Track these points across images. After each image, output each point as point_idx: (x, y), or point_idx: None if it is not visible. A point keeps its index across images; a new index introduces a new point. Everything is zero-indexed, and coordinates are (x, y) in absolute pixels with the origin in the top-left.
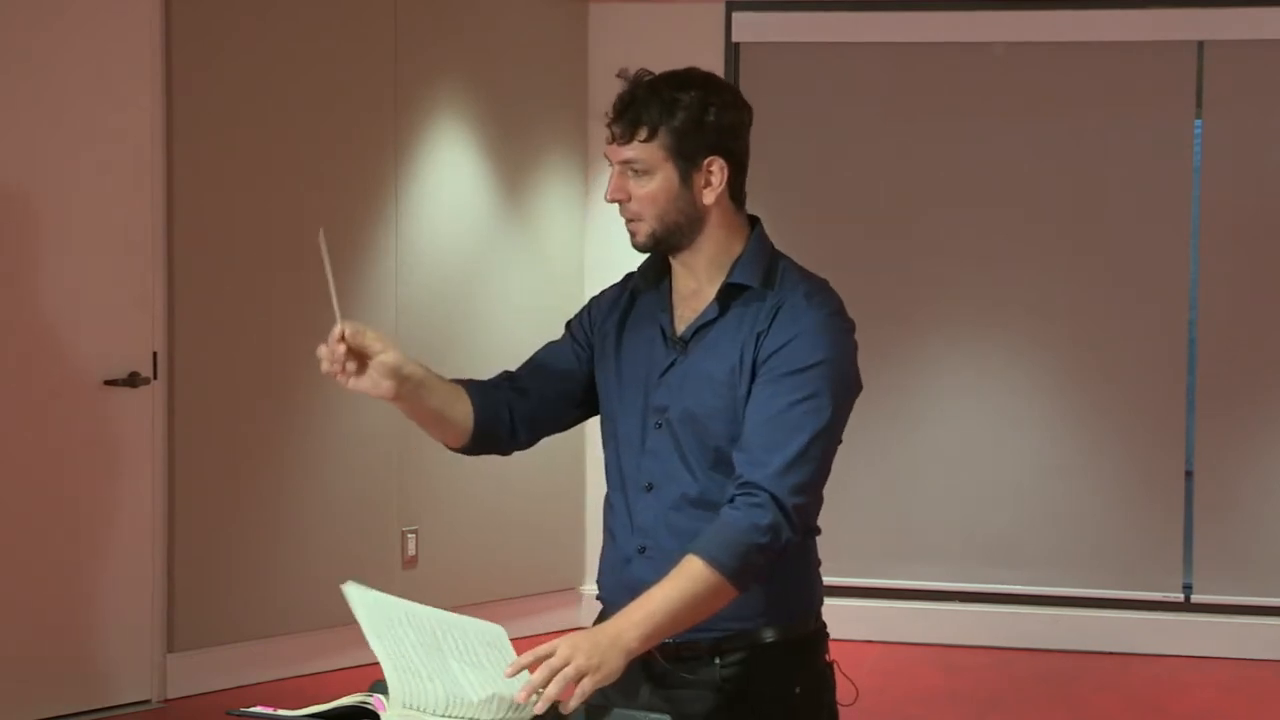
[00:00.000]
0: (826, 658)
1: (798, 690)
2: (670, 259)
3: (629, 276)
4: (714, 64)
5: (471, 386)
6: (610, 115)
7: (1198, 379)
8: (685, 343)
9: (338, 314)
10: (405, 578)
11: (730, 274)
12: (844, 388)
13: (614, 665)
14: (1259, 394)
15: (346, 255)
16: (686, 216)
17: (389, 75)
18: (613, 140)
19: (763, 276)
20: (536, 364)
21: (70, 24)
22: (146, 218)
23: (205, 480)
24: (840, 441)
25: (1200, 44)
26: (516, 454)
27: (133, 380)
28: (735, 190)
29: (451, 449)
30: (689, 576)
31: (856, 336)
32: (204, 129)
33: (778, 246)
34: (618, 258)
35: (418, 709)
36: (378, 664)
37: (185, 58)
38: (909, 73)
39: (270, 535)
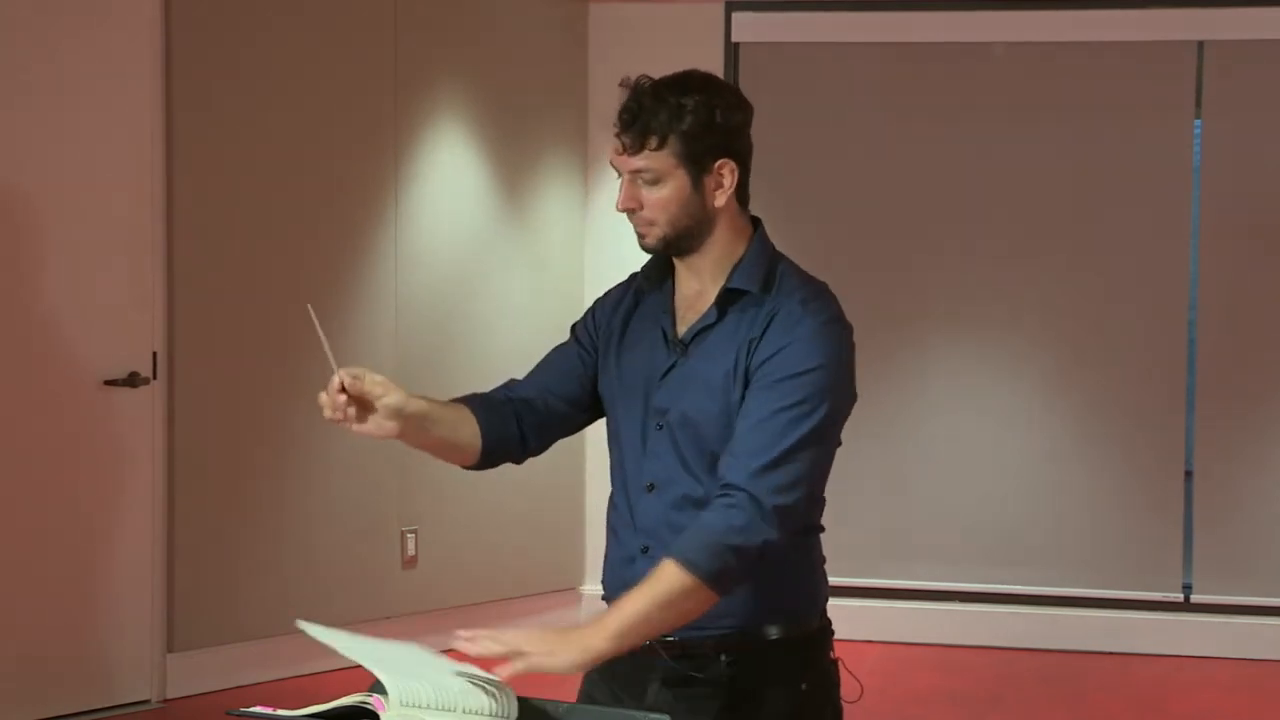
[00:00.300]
0: (832, 655)
1: (804, 687)
2: (675, 260)
3: (634, 276)
4: (714, 64)
5: (477, 405)
6: (618, 126)
7: (1198, 379)
8: (685, 345)
9: (333, 365)
10: (405, 578)
11: (730, 279)
12: (838, 393)
13: (567, 659)
14: (1259, 394)
15: (346, 256)
16: (697, 220)
17: (389, 76)
18: (622, 151)
19: (762, 281)
20: (543, 370)
21: (71, 24)
22: (146, 218)
23: (205, 480)
24: (839, 444)
25: (1200, 44)
26: None
27: (133, 380)
28: (742, 191)
29: (465, 468)
30: (662, 579)
31: (857, 338)
32: (204, 129)
33: (778, 247)
34: (618, 258)
35: (416, 706)
36: None
37: (186, 58)
38: (909, 73)
39: (270, 535)
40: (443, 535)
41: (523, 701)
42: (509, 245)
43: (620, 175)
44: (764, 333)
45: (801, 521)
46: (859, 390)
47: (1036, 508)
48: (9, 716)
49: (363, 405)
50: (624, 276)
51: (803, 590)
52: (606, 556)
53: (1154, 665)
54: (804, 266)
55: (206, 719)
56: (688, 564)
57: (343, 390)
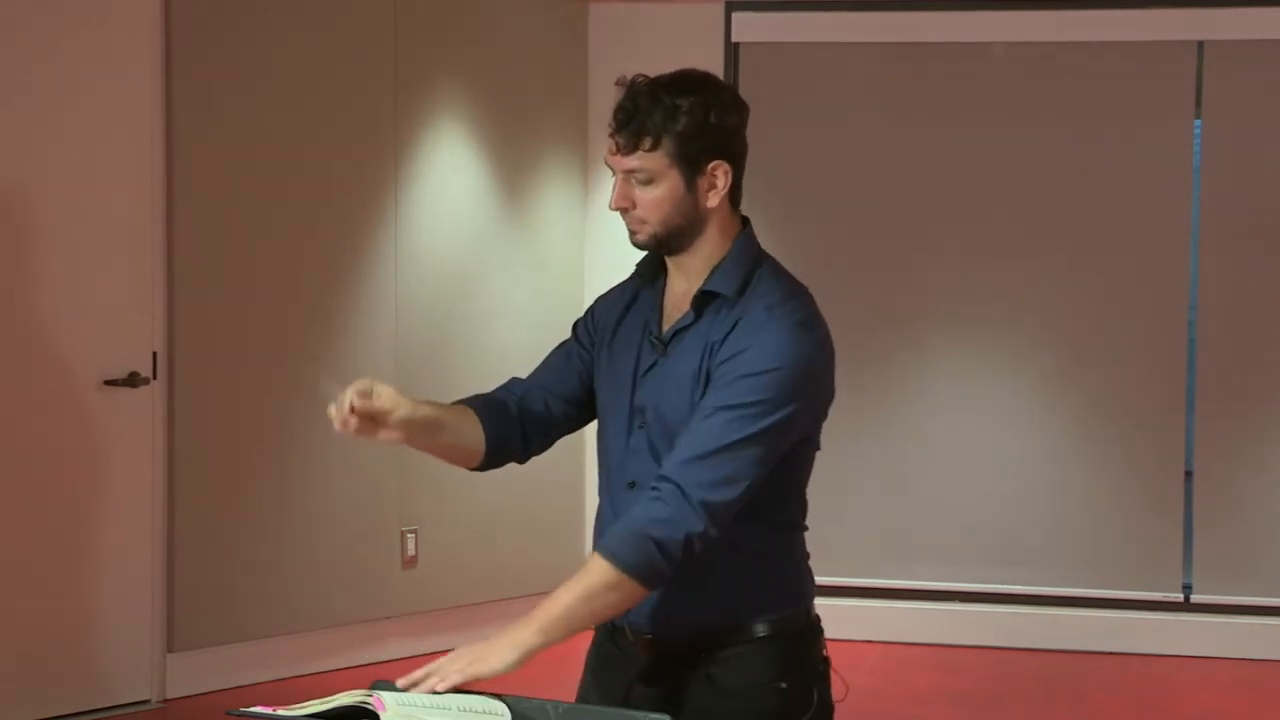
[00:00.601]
0: (823, 653)
1: (784, 685)
2: (667, 259)
3: (634, 274)
4: (714, 64)
5: (479, 407)
6: (612, 125)
7: (1198, 379)
8: (665, 345)
9: (340, 389)
10: (405, 578)
11: (707, 280)
12: (801, 396)
13: (499, 659)
14: (1259, 394)
15: (346, 256)
16: (689, 220)
17: (389, 76)
18: (616, 150)
19: (739, 284)
20: (544, 369)
21: (71, 24)
22: (146, 218)
23: (205, 480)
24: (818, 447)
25: (1200, 44)
26: None
27: (133, 380)
28: (735, 192)
29: (468, 469)
30: (588, 572)
31: (857, 337)
32: (204, 129)
33: (777, 246)
34: (618, 258)
35: (415, 705)
36: (378, 664)
37: (186, 58)
38: (909, 73)
39: (270, 535)
40: (443, 535)
41: (522, 701)
42: (509, 245)
43: (615, 174)
44: (727, 335)
45: (729, 517)
46: (859, 390)
47: (1036, 508)
48: (9, 716)
49: (373, 420)
50: (624, 276)
51: (786, 588)
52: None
53: (1154, 665)
54: (804, 266)
55: (206, 719)
56: (609, 555)
57: (354, 412)
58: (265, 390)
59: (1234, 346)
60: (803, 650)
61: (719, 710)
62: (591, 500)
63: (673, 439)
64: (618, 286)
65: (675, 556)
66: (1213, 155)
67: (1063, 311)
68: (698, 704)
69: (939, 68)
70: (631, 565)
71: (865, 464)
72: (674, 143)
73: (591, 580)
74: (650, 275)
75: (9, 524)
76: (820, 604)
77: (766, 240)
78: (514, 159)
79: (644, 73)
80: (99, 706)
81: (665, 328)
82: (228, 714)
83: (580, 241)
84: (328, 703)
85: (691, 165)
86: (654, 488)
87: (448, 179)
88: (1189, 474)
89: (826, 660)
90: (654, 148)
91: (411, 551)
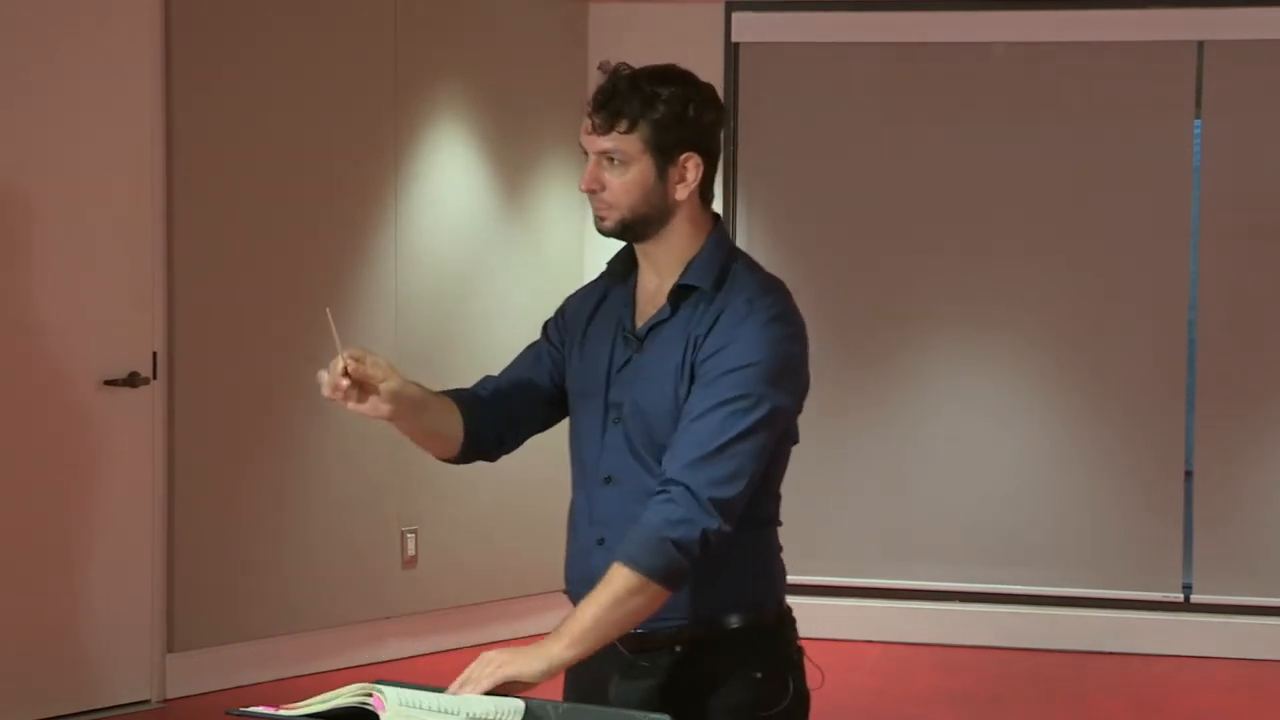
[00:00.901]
0: (797, 643)
1: (758, 675)
2: (637, 255)
3: (604, 273)
4: (714, 64)
5: (461, 400)
6: (590, 106)
7: (1198, 379)
8: (640, 340)
9: (339, 347)
10: (405, 578)
11: (683, 274)
12: (781, 388)
13: (531, 668)
14: (1259, 394)
15: (346, 256)
16: (657, 209)
17: (389, 75)
18: (592, 130)
19: (715, 278)
20: (515, 368)
21: (71, 24)
22: (147, 218)
23: (205, 480)
24: (795, 440)
25: (1200, 44)
26: (515, 455)
27: (133, 380)
28: (705, 188)
29: (441, 460)
30: (611, 580)
31: (857, 337)
32: (204, 129)
33: (777, 246)
34: None
35: (415, 707)
36: (378, 664)
37: (186, 58)
38: (909, 73)
39: (270, 535)
40: (443, 535)
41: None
42: (509, 245)
43: (588, 155)
44: (709, 330)
45: (741, 513)
46: (859, 390)
47: (1036, 508)
48: (8, 716)
49: (363, 387)
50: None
51: (759, 581)
52: (567, 550)
53: (1154, 665)
54: (804, 266)
55: (206, 719)
56: (630, 562)
57: (346, 375)
58: (265, 390)
59: (1234, 346)
60: (777, 641)
61: (697, 702)
62: None
63: (651, 433)
64: (587, 285)
65: (694, 555)
66: (1213, 155)
67: (1063, 311)
68: (676, 697)
69: (939, 68)
70: (654, 569)
71: (865, 464)
72: (649, 129)
73: (616, 588)
74: (622, 273)
75: (9, 524)
76: (821, 604)
77: (766, 240)
78: (514, 159)
79: (625, 62)
80: (99, 706)
81: (639, 324)
82: (228, 714)
83: (580, 241)
84: (328, 702)
85: (664, 154)
86: (662, 491)
87: (448, 179)
88: (1189, 474)
89: (800, 650)
90: (629, 130)
91: (411, 551)
